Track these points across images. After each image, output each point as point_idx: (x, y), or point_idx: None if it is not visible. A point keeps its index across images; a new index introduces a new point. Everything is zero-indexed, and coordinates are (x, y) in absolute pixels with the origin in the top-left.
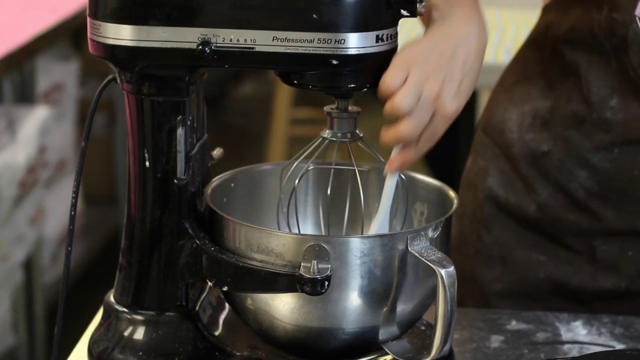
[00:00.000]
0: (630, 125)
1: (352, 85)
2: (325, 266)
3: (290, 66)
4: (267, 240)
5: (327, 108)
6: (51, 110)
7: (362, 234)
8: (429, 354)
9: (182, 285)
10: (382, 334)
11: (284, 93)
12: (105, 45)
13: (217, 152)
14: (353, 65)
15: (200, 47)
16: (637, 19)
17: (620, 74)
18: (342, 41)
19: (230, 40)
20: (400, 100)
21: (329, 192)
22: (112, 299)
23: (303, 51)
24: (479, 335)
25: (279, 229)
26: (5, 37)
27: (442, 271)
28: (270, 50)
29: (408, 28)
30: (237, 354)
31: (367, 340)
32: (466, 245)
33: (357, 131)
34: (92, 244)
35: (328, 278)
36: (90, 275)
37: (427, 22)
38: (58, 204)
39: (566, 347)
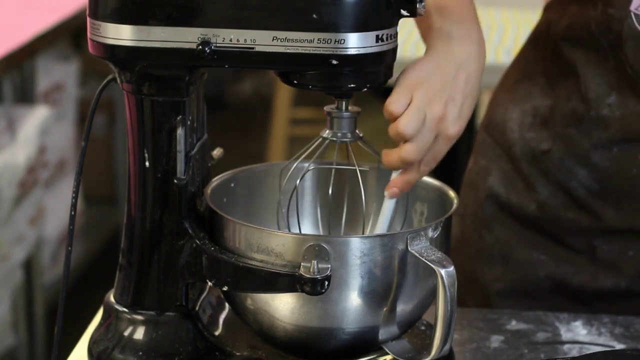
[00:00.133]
0: (628, 122)
1: (352, 85)
2: (325, 266)
3: (290, 66)
4: (267, 240)
5: (327, 108)
6: (51, 110)
7: (363, 233)
8: (429, 354)
9: (182, 285)
10: (382, 334)
11: (284, 93)
12: (105, 45)
13: (217, 152)
14: (353, 65)
15: (200, 47)
16: (632, 14)
17: (618, 71)
18: (342, 41)
19: (230, 40)
20: (404, 125)
21: (330, 192)
22: (112, 299)
23: (303, 51)
24: (479, 335)
25: (279, 229)
26: (5, 37)
27: (442, 271)
28: (270, 50)
29: (408, 28)
30: (237, 354)
31: (367, 340)
32: (467, 245)
33: (357, 131)
34: (92, 244)
35: (328, 278)
36: (90, 275)
37: (426, 36)
38: (58, 204)
39: (566, 347)
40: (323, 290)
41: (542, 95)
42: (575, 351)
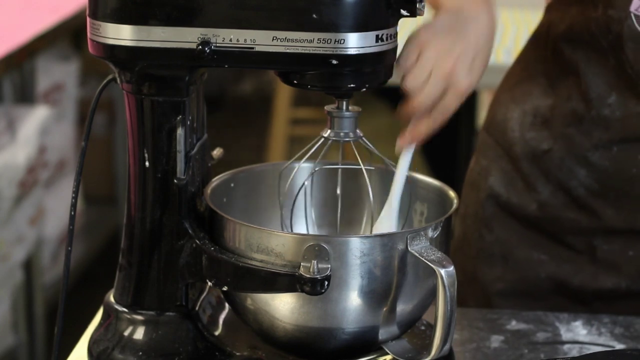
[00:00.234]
0: (628, 122)
1: (352, 85)
2: (325, 266)
3: (290, 66)
4: (267, 240)
5: (327, 107)
6: (51, 110)
7: (370, 230)
8: (429, 353)
9: (182, 285)
10: (382, 334)
11: (284, 93)
12: (105, 45)
13: (217, 152)
14: (353, 65)
15: (200, 47)
16: (632, 15)
17: (618, 71)
18: (342, 41)
19: (230, 40)
20: (412, 77)
21: (338, 191)
22: (112, 299)
23: (303, 51)
24: (479, 335)
25: (283, 229)
26: (5, 37)
27: (442, 271)
28: (270, 50)
29: (408, 28)
30: (237, 354)
31: (367, 340)
32: (468, 245)
33: (357, 131)
34: (92, 244)
35: (328, 278)
36: (90, 275)
37: (436, 6)
38: (58, 204)
39: (566, 347)
40: (323, 290)
41: (543, 95)
42: (575, 351)
